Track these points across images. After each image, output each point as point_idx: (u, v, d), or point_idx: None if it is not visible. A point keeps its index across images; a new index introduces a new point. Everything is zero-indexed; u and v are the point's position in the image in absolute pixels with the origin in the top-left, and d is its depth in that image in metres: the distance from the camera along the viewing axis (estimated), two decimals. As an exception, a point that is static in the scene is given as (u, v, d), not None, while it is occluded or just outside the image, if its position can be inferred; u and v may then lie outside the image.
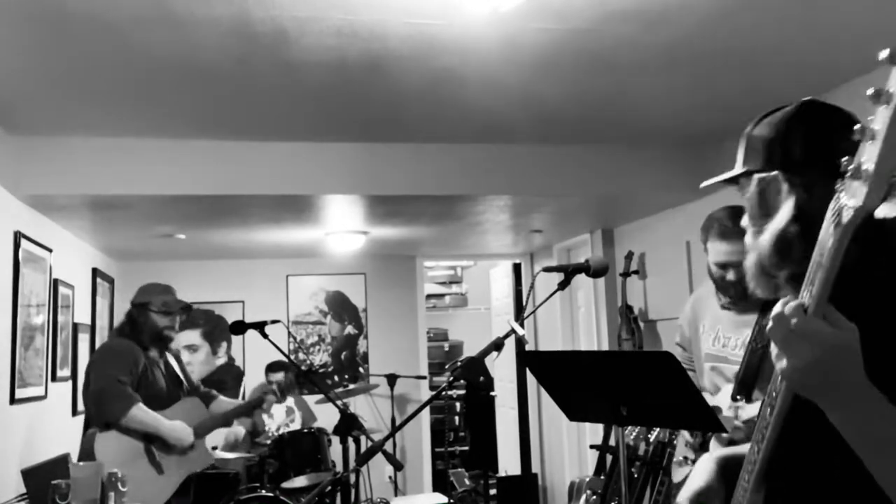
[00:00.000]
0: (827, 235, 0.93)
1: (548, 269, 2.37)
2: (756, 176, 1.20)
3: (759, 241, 1.18)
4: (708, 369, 2.74)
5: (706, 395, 2.67)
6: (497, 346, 2.14)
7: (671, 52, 3.10)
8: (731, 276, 2.58)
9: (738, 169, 1.24)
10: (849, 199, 0.88)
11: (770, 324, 0.98)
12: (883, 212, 0.97)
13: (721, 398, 2.62)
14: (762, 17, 2.82)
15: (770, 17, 2.82)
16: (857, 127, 0.87)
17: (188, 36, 2.80)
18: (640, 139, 4.51)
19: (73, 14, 2.60)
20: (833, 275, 0.93)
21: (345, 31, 2.81)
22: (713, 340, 2.73)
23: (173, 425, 3.57)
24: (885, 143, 0.84)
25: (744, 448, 1.36)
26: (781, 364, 0.98)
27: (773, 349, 1.00)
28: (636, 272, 5.44)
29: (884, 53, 0.84)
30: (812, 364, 0.95)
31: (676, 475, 2.82)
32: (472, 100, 3.62)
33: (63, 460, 3.88)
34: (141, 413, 3.47)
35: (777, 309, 0.97)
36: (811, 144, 1.15)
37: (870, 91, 0.85)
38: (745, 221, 1.24)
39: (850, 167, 0.87)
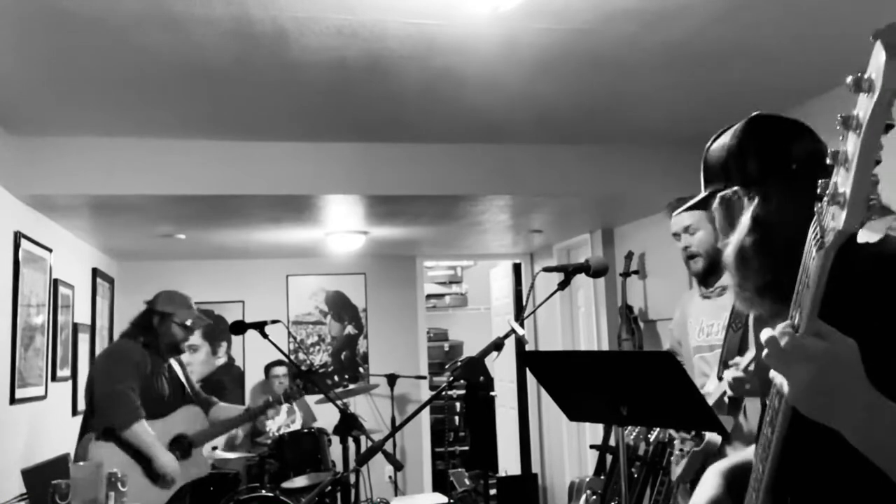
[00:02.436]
0: (810, 259, 0.94)
1: (548, 269, 2.38)
2: (717, 195, 1.23)
3: (724, 258, 1.20)
4: (697, 360, 2.77)
5: None
6: (497, 346, 2.14)
7: (671, 52, 3.10)
8: (680, 243, 2.77)
9: (703, 193, 1.26)
10: (829, 222, 0.89)
11: (764, 351, 0.97)
12: (864, 237, 1.02)
13: (708, 387, 2.63)
14: (762, 17, 2.82)
15: (769, 17, 2.82)
16: (830, 150, 0.89)
17: (188, 36, 2.80)
18: (640, 139, 4.51)
19: (72, 14, 2.60)
20: (820, 294, 0.94)
21: (345, 31, 2.81)
22: (698, 332, 2.77)
23: (166, 460, 3.52)
24: (859, 169, 0.85)
25: (749, 455, 1.36)
26: (784, 390, 0.97)
27: (773, 375, 0.99)
28: (636, 272, 5.44)
29: (849, 79, 0.86)
30: (813, 381, 0.94)
31: (676, 471, 2.83)
32: (472, 100, 3.61)
33: (63, 460, 3.89)
34: (142, 431, 3.47)
35: (767, 334, 0.96)
36: (764, 157, 1.17)
37: (839, 117, 0.87)
38: (719, 242, 1.25)
39: (828, 192, 0.88)
